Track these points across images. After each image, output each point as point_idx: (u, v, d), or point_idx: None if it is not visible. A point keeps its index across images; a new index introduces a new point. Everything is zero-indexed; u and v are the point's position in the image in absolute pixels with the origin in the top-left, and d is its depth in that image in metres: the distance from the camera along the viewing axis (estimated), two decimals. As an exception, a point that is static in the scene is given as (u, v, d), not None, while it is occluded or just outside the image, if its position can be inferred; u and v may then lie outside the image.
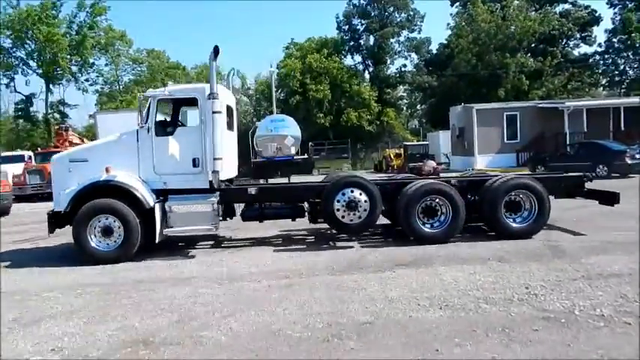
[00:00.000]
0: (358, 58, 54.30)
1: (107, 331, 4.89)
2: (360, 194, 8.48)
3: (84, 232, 8.02)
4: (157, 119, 8.59)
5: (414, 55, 54.62)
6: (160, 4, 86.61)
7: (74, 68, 47.37)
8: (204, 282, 6.59)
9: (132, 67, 52.26)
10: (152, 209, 8.12)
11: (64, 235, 9.05)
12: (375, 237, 9.37)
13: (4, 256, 9.05)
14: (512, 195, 8.60)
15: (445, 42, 51.66)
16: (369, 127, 47.27)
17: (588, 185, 9.68)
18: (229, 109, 9.37)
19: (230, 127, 9.37)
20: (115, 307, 5.66)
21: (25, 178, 24.75)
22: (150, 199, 8.22)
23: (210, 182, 8.37)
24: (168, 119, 9.34)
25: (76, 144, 30.58)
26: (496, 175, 9.28)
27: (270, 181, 14.43)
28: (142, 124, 8.34)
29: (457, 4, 50.86)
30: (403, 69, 54.56)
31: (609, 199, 9.17)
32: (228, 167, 9.15)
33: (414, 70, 54.19)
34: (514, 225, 8.58)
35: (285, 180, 24.23)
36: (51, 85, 47.08)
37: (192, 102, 8.69)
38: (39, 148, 35.48)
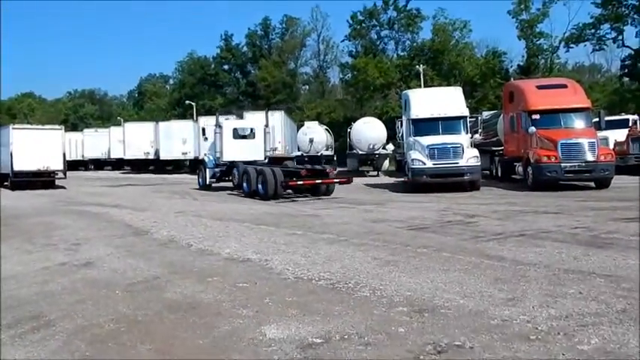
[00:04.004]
0: None
1: None
2: (235, 170, 19.42)
3: (197, 174, 23.24)
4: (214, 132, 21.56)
5: None
6: None
7: None
8: None
9: None
10: (206, 169, 21.47)
11: None
12: None
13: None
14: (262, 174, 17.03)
15: None
16: None
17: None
18: (246, 129, 21.71)
19: (245, 137, 21.18)
20: None
21: (627, 146, 21.55)
22: (206, 164, 21.29)
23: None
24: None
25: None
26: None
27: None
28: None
29: None
30: None
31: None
32: (231, 155, 20.25)
33: None
34: (262, 191, 16.74)
35: None
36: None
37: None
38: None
